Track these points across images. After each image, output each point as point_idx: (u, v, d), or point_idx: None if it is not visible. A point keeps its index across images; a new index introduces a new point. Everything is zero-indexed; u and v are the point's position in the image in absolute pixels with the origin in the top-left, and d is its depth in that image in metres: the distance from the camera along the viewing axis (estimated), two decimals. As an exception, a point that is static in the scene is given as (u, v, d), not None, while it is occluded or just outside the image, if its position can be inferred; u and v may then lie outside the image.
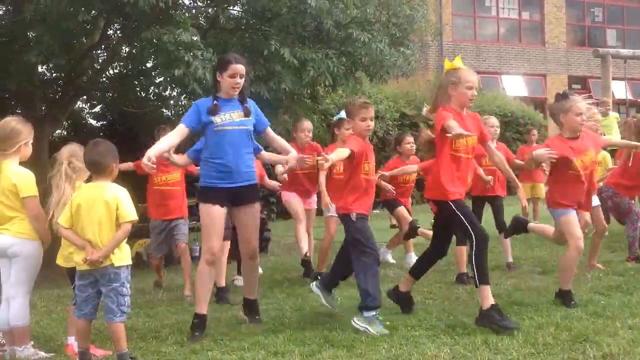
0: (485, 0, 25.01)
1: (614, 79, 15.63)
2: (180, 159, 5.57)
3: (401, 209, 7.55)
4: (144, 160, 4.70)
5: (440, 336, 4.55)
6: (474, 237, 4.86)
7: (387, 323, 4.92)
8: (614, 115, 12.48)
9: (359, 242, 5.03)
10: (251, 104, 5.21)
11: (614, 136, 10.32)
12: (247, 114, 5.10)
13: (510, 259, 7.17)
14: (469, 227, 4.90)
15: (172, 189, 7.08)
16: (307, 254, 7.05)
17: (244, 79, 5.08)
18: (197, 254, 9.27)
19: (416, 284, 5.72)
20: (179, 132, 5.01)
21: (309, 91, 9.72)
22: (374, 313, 4.86)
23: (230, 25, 9.81)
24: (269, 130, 5.34)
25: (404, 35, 9.40)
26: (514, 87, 23.80)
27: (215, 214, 5.02)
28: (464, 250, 6.43)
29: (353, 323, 4.85)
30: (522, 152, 10.92)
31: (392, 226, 9.15)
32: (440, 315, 5.13)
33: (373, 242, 5.09)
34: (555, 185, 5.44)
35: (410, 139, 7.61)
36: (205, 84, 7.39)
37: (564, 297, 5.28)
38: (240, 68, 5.03)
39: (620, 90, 19.72)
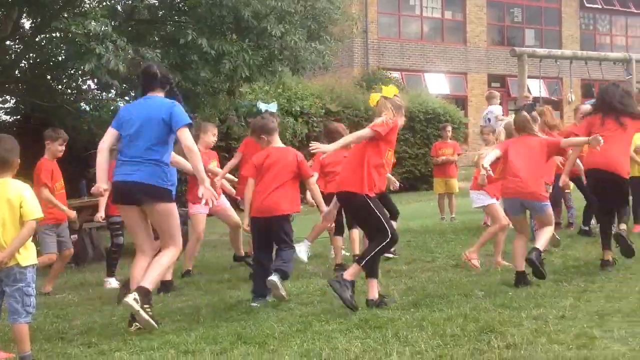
0: (409, -1, 25.42)
1: (530, 77, 16.10)
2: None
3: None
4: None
5: (352, 330, 4.57)
6: (389, 234, 5.20)
7: (301, 319, 4.94)
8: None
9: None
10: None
11: None
12: None
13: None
14: (385, 224, 5.20)
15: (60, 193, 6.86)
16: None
17: None
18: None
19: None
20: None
21: (227, 85, 9.65)
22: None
23: (148, 17, 9.62)
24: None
25: (320, 28, 9.44)
26: (437, 85, 24.28)
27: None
28: (339, 240, 6.96)
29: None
30: (436, 148, 11.19)
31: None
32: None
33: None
34: None
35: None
36: (120, 74, 7.24)
37: (517, 278, 5.74)
38: None
39: (536, 88, 20.35)
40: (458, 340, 4.19)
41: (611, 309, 4.72)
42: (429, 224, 9.87)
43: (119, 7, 9.93)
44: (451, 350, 4.02)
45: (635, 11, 29.64)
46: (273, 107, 7.17)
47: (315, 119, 16.23)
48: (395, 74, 23.36)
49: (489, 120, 11.02)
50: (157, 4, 9.75)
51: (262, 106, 7.05)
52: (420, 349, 4.07)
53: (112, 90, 9.12)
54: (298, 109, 15.61)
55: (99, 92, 9.58)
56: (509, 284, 5.74)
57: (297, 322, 4.86)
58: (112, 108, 10.42)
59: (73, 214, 6.88)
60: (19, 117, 14.27)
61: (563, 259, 6.88)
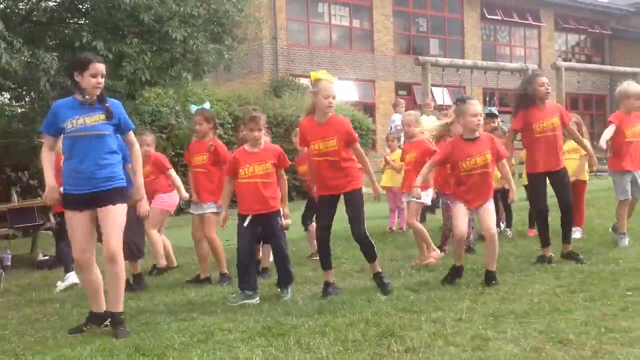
0: (318, 6, 25.62)
1: (434, 85, 16.59)
2: None
3: None
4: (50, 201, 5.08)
5: (255, 338, 4.54)
6: None
7: (203, 328, 4.86)
8: (433, 118, 13.24)
9: None
10: (114, 104, 5.02)
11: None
12: (108, 115, 4.92)
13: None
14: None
15: None
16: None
17: (104, 79, 4.93)
18: (8, 263, 8.70)
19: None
20: (46, 144, 5.00)
21: (128, 89, 9.41)
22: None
23: (45, 19, 9.26)
24: (130, 135, 5.16)
25: (223, 31, 9.37)
26: (346, 92, 24.56)
27: (74, 222, 4.97)
28: (267, 248, 6.98)
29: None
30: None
31: None
32: (258, 317, 5.13)
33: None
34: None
35: None
36: (14, 75, 6.94)
37: (454, 272, 6.03)
38: (101, 67, 4.89)
39: (440, 95, 20.96)
40: (359, 346, 4.23)
41: (505, 310, 4.88)
42: (336, 229, 9.85)
43: (15, 9, 9.53)
44: (352, 355, 4.06)
45: (533, 23, 31.03)
46: (207, 105, 7.09)
47: (224, 125, 16.03)
48: (305, 81, 23.48)
49: (391, 128, 11.27)
50: (55, 6, 9.41)
51: (194, 108, 6.97)
52: (322, 355, 4.08)
53: (4, 94, 8.72)
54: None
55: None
56: (412, 288, 5.85)
57: (198, 332, 4.79)
58: (6, 114, 10.00)
59: None
60: None
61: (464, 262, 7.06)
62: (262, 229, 5.90)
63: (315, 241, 7.60)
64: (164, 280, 7.19)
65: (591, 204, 11.09)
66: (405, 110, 12.25)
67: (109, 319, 5.04)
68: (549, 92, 6.72)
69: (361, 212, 5.84)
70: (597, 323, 4.37)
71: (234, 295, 5.83)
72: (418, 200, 6.95)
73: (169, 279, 7.26)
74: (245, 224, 5.82)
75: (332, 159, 5.70)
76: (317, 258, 7.50)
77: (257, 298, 5.78)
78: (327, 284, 5.88)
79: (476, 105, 6.01)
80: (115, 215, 4.94)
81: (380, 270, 5.93)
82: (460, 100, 6.13)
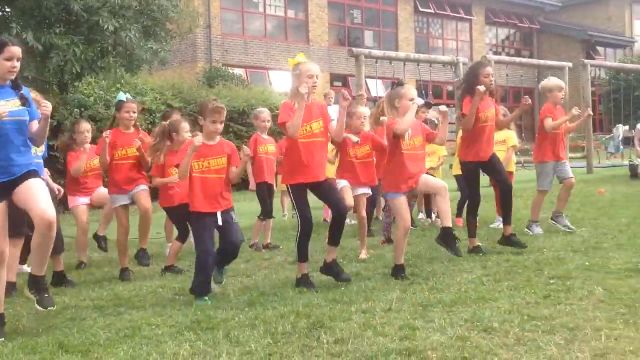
0: (253, -5, 25.45)
1: (368, 77, 16.69)
2: None
3: None
4: None
5: (183, 333, 4.47)
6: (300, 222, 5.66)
7: (130, 323, 4.76)
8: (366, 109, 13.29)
9: None
10: (26, 91, 4.78)
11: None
12: (24, 102, 4.67)
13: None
14: (298, 212, 5.63)
15: None
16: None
17: (19, 63, 4.66)
18: None
19: (168, 279, 6.18)
20: None
21: (57, 79, 9.12)
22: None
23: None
24: (35, 123, 4.87)
25: (155, 24, 9.16)
26: (281, 82, 24.49)
27: None
28: (177, 245, 6.82)
29: None
30: (280, 146, 11.24)
31: None
32: (187, 311, 5.06)
33: None
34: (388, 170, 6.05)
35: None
36: None
37: (396, 271, 5.85)
38: (17, 50, 4.63)
39: (374, 87, 21.14)
40: (289, 338, 4.22)
41: (434, 299, 4.96)
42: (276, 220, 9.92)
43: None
44: (281, 348, 4.04)
45: (465, 16, 31.64)
46: (122, 96, 6.90)
47: (157, 114, 15.76)
48: (239, 71, 23.30)
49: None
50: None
51: (122, 96, 6.79)
52: (251, 348, 4.05)
53: None
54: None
55: None
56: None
57: (125, 327, 4.68)
58: None
59: None
60: None
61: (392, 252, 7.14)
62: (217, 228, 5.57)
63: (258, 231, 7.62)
64: (90, 274, 7.01)
65: (518, 194, 11.41)
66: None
67: (33, 289, 4.89)
68: (492, 84, 6.83)
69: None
70: (521, 311, 4.49)
71: (206, 299, 5.47)
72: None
73: (96, 273, 7.09)
74: (220, 222, 5.48)
75: (320, 139, 5.68)
76: (257, 247, 7.52)
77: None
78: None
79: (412, 90, 6.04)
80: (39, 184, 4.69)
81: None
82: (399, 84, 6.12)
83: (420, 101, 7.91)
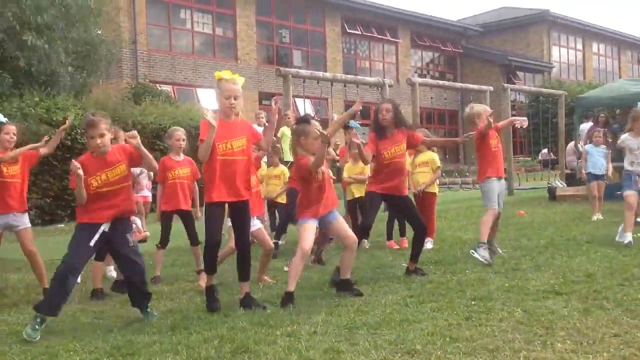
0: (180, 12, 25.21)
1: (296, 96, 16.79)
2: None
3: None
4: None
5: (102, 359, 4.34)
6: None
7: (48, 349, 4.59)
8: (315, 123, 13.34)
9: None
10: None
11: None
12: None
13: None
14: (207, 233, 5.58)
15: None
16: None
17: None
18: None
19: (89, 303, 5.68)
20: None
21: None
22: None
23: None
24: None
25: (85, 53, 8.93)
26: (209, 100, 24.30)
27: None
28: (99, 266, 6.67)
29: None
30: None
31: None
32: (107, 336, 4.91)
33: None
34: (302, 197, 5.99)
35: None
36: None
37: (285, 298, 5.72)
38: None
39: (302, 106, 21.24)
40: (212, 363, 4.15)
41: (359, 322, 4.97)
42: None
43: None
44: (204, 374, 3.97)
45: (391, 39, 32.28)
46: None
47: (79, 130, 15.33)
48: (166, 87, 23.01)
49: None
50: None
51: (1, 118, 6.61)
52: (173, 375, 3.96)
53: None
54: (59, 118, 14.62)
55: None
56: (270, 301, 5.84)
57: (42, 353, 4.51)
58: None
59: None
60: None
61: (319, 274, 7.16)
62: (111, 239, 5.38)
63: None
64: (6, 297, 6.72)
65: (443, 215, 11.66)
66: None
67: None
68: (384, 119, 6.90)
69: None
70: (443, 333, 4.56)
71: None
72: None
73: (14, 295, 6.80)
74: (98, 234, 5.27)
75: (240, 158, 5.59)
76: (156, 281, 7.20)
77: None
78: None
79: (317, 126, 5.97)
80: None
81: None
82: (304, 120, 6.10)
83: (356, 125, 8.02)
